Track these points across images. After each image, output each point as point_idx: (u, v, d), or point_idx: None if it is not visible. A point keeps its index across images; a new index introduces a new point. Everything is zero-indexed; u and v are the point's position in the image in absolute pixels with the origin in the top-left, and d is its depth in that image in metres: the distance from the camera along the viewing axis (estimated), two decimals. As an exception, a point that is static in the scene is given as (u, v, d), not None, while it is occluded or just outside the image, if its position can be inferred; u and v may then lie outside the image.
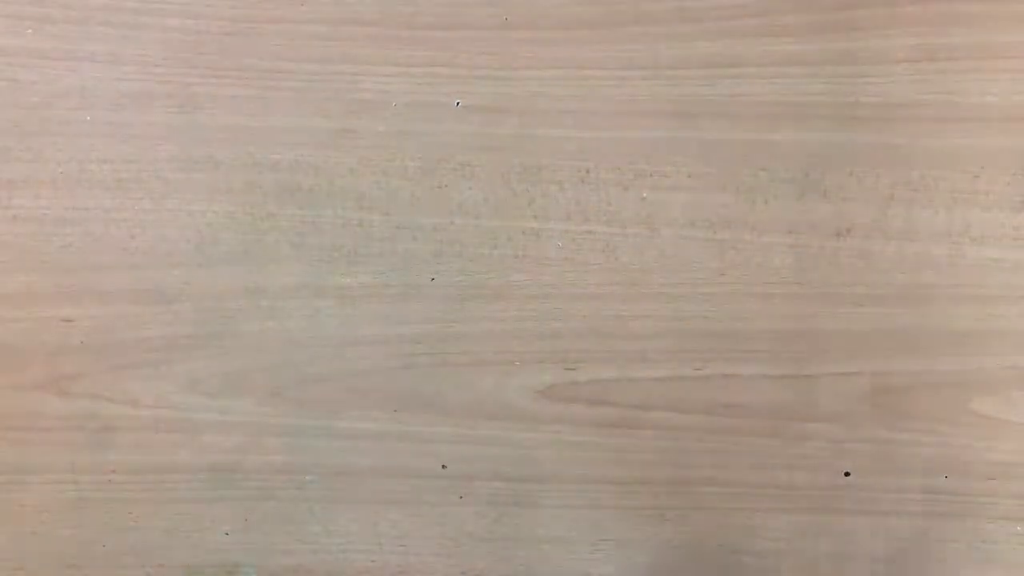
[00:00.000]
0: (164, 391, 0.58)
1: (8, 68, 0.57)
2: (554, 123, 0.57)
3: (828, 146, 0.57)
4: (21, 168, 0.57)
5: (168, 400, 0.58)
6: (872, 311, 0.58)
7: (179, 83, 0.57)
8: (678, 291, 0.57)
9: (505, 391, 0.58)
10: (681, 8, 0.56)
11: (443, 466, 0.58)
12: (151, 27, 0.57)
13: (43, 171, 0.57)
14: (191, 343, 0.58)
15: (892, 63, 0.57)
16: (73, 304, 0.57)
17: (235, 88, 0.57)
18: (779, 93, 0.57)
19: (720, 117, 0.57)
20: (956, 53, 0.57)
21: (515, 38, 0.57)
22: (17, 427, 0.57)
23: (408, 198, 0.57)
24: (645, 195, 0.57)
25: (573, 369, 0.57)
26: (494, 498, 0.58)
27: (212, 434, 0.58)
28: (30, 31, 0.57)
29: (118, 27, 0.57)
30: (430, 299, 0.58)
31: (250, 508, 0.58)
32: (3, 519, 0.57)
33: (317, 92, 0.57)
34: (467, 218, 0.56)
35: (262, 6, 0.56)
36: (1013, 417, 0.57)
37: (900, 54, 0.57)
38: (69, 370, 0.57)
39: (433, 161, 0.56)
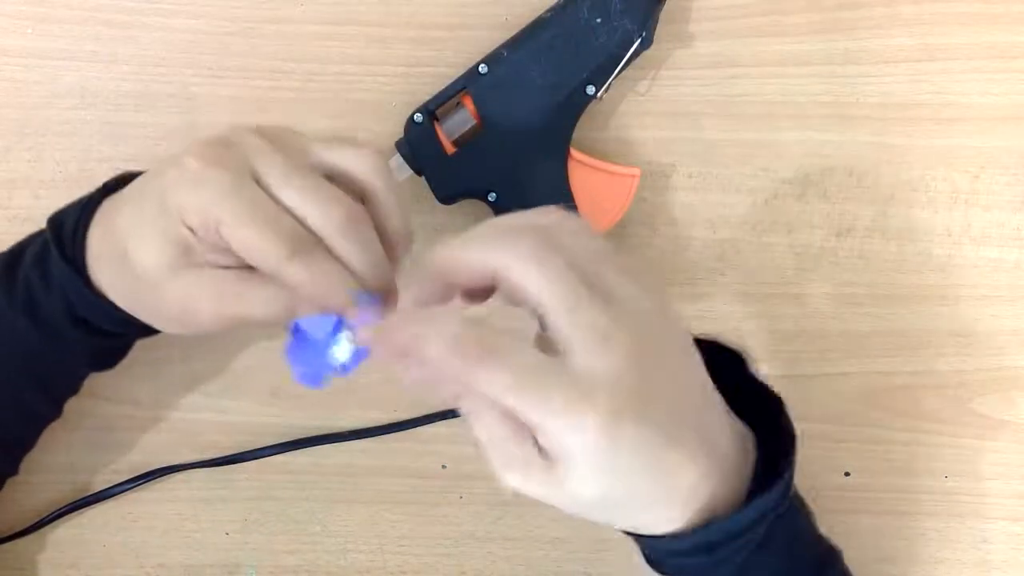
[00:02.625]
0: (164, 391, 0.58)
1: (8, 68, 0.57)
2: (554, 123, 0.57)
3: (828, 146, 0.57)
4: (21, 168, 0.57)
5: (168, 400, 0.58)
6: (872, 311, 0.58)
7: (179, 83, 0.57)
8: (678, 291, 0.57)
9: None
10: (681, 8, 0.56)
11: (443, 466, 0.58)
12: (151, 27, 0.57)
13: (43, 171, 0.57)
14: (191, 343, 0.58)
15: (892, 63, 0.57)
16: (73, 304, 0.57)
17: (235, 88, 0.57)
18: (779, 93, 0.57)
19: (720, 117, 0.57)
20: (956, 53, 0.57)
21: (515, 38, 0.57)
22: (17, 427, 0.57)
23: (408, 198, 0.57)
24: (645, 195, 0.57)
25: (573, 369, 0.57)
26: (494, 498, 0.58)
27: (212, 434, 0.58)
28: (30, 31, 0.57)
29: (118, 27, 0.57)
30: (430, 299, 0.58)
31: (250, 508, 0.58)
32: (3, 519, 0.57)
33: (317, 92, 0.57)
34: (467, 218, 0.56)
35: (262, 6, 0.56)
36: (1013, 417, 0.57)
37: (900, 54, 0.57)
38: (69, 370, 0.57)
39: (433, 161, 0.56)
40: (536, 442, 0.37)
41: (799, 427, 0.58)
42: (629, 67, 0.54)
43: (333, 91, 0.57)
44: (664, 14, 0.54)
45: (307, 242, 0.40)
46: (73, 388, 0.52)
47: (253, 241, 0.39)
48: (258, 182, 0.40)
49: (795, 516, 0.46)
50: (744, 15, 0.57)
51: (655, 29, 0.53)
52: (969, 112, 0.57)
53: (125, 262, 0.43)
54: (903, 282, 0.57)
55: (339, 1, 0.57)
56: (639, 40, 0.53)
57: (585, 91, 0.53)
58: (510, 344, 0.36)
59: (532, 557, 0.58)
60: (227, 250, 0.41)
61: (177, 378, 0.58)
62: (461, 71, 0.54)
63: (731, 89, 0.57)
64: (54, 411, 0.53)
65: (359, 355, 0.40)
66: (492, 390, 0.35)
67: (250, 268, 0.42)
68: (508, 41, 0.54)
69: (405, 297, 0.40)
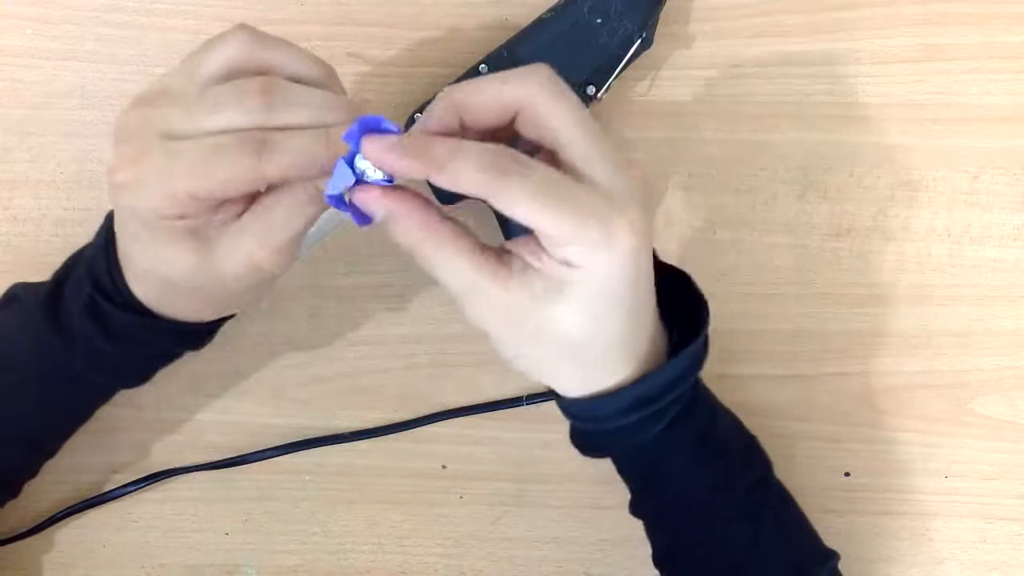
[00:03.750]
0: (165, 392, 0.58)
1: (8, 68, 0.57)
2: (554, 123, 0.57)
3: (828, 146, 0.57)
4: (21, 168, 0.57)
5: (169, 401, 0.58)
6: (872, 311, 0.58)
7: (179, 83, 0.57)
8: (678, 291, 0.57)
9: (505, 391, 0.58)
10: (681, 8, 0.56)
11: (443, 466, 0.58)
12: (151, 27, 0.57)
13: (43, 171, 0.57)
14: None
15: (892, 63, 0.57)
16: (73, 304, 0.57)
17: (235, 88, 0.57)
18: (779, 93, 0.57)
19: (720, 117, 0.57)
20: (956, 53, 0.57)
21: (515, 38, 0.57)
22: (17, 427, 0.57)
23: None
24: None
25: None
26: (494, 498, 0.58)
27: (213, 434, 0.58)
28: (30, 31, 0.57)
29: (118, 27, 0.57)
30: (430, 299, 0.58)
31: (250, 508, 0.58)
32: (4, 519, 0.57)
33: (317, 92, 0.57)
34: (468, 219, 0.56)
35: (262, 6, 0.56)
36: (1013, 417, 0.58)
37: (900, 54, 0.57)
38: (69, 370, 0.57)
39: (433, 161, 0.56)
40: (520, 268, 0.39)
41: (799, 427, 0.58)
42: (629, 67, 0.54)
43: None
44: (664, 14, 0.54)
45: (257, 138, 0.39)
46: (106, 400, 0.53)
47: (221, 177, 0.39)
48: (176, 138, 0.40)
49: (711, 404, 0.49)
50: (744, 15, 0.57)
51: (655, 29, 0.53)
52: (969, 112, 0.57)
53: (176, 286, 0.43)
54: (903, 282, 0.57)
55: (339, 1, 0.57)
56: (639, 40, 0.53)
57: (585, 91, 0.53)
58: (538, 164, 0.38)
59: (532, 557, 0.58)
60: (220, 205, 0.41)
61: (178, 379, 0.58)
62: (461, 71, 0.54)
63: (731, 89, 0.57)
64: (85, 421, 0.54)
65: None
66: (522, 196, 0.37)
67: (254, 199, 0.42)
68: (508, 41, 0.54)
69: (416, 131, 0.40)
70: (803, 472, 0.57)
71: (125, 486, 0.58)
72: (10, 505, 0.55)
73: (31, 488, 0.55)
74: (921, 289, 0.57)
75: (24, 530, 0.57)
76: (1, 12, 0.57)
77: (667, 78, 0.57)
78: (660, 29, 0.54)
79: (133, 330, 0.46)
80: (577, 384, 0.43)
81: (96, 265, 0.46)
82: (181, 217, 0.40)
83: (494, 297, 0.39)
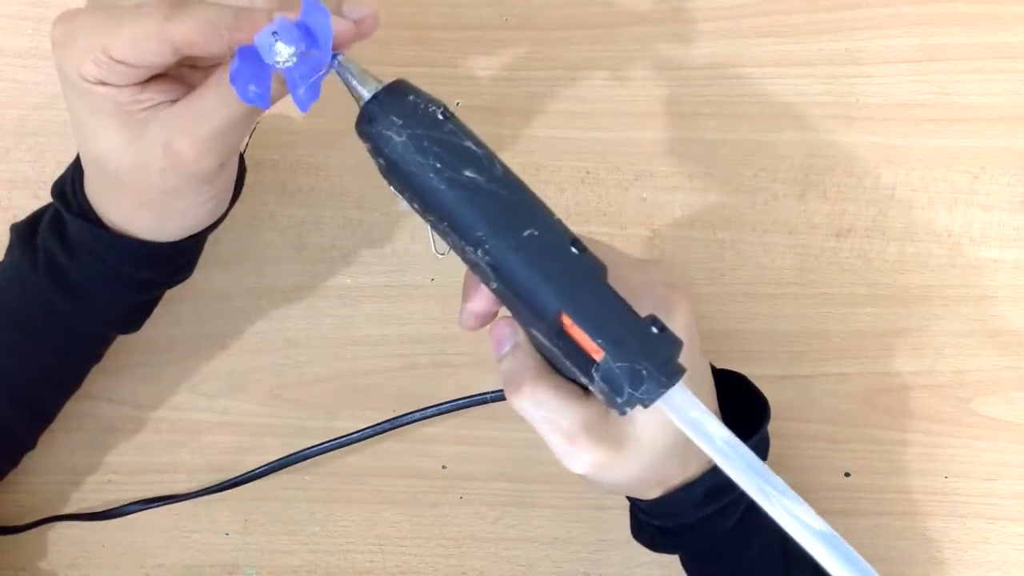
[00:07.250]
0: (164, 391, 0.58)
1: (8, 68, 0.57)
2: (554, 123, 0.57)
3: (828, 146, 0.57)
4: (21, 168, 0.57)
5: (168, 400, 0.58)
6: (872, 311, 0.58)
7: (179, 83, 0.57)
8: (678, 291, 0.57)
9: (505, 391, 0.58)
10: (681, 8, 0.56)
11: (443, 466, 0.58)
12: (151, 27, 0.57)
13: (43, 171, 0.57)
14: (191, 343, 0.58)
15: (892, 63, 0.57)
16: (73, 304, 0.57)
17: (235, 88, 0.57)
18: (779, 93, 0.57)
19: (720, 117, 0.57)
20: (956, 53, 0.57)
21: (515, 38, 0.57)
22: (17, 427, 0.57)
23: (408, 198, 0.57)
24: (645, 195, 0.57)
25: (573, 369, 0.57)
26: (494, 498, 0.58)
27: (212, 434, 0.58)
28: (30, 31, 0.57)
29: (118, 27, 0.57)
30: (430, 299, 0.58)
31: (250, 508, 0.58)
32: (3, 519, 0.57)
33: (317, 92, 0.57)
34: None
35: (262, 6, 0.56)
36: (1013, 417, 0.57)
37: (900, 54, 0.57)
38: (69, 370, 0.57)
39: (433, 161, 0.56)
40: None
41: (799, 427, 0.58)
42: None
43: (333, 92, 0.57)
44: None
45: (174, 2, 0.39)
46: (97, 355, 0.53)
47: (130, 33, 0.39)
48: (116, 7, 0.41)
49: None
50: (744, 15, 0.57)
51: None
52: (969, 112, 0.57)
53: (107, 175, 0.43)
54: (903, 282, 0.57)
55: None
56: None
57: None
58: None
59: (532, 557, 0.58)
60: (147, 84, 0.41)
61: (177, 379, 0.58)
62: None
63: (731, 89, 0.57)
64: (77, 381, 0.53)
65: (308, 61, 0.41)
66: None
67: (185, 90, 0.42)
68: None
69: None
70: (803, 472, 0.57)
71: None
72: (8, 504, 0.55)
73: (28, 487, 0.55)
74: (921, 289, 0.57)
75: (23, 522, 0.57)
76: (1, 12, 0.57)
77: (667, 78, 0.57)
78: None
79: (84, 238, 0.46)
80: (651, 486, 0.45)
81: (65, 176, 0.47)
82: (102, 83, 0.40)
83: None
